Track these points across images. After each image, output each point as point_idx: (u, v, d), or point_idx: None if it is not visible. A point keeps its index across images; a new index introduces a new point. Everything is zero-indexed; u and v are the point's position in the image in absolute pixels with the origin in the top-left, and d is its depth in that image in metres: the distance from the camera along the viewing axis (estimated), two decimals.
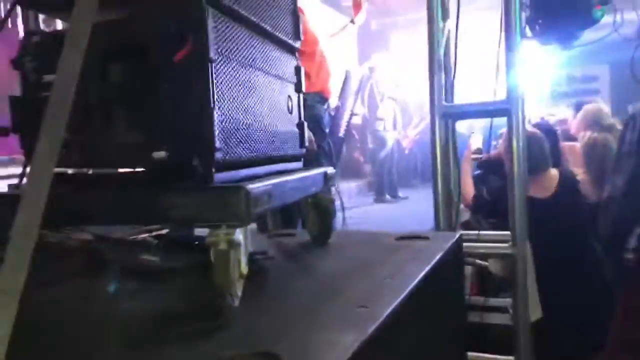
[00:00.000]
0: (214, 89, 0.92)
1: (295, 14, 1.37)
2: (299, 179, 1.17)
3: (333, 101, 3.15)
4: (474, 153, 2.82)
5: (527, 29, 1.92)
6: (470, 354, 1.83)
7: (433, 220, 2.03)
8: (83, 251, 1.07)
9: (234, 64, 1.01)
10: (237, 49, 1.02)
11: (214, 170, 0.91)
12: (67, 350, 0.73)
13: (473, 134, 3.03)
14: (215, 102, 0.92)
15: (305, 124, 1.46)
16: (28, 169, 0.75)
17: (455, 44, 1.96)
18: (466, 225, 2.59)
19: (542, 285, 2.07)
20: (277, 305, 0.90)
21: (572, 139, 3.37)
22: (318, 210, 1.35)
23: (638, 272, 1.77)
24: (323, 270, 1.12)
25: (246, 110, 1.05)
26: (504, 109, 1.85)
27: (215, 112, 0.91)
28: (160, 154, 0.91)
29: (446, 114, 1.93)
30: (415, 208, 5.98)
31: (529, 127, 2.96)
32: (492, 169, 2.69)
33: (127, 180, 0.96)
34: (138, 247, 1.12)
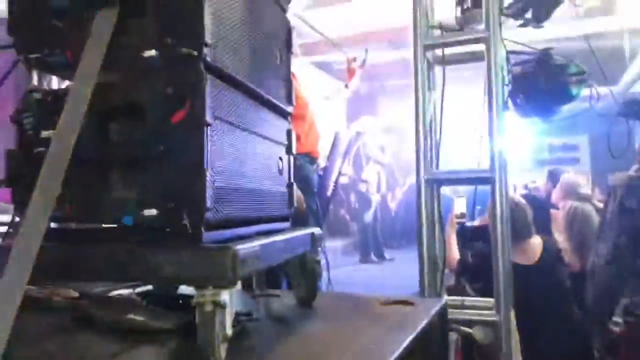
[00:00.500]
0: (208, 150, 0.94)
1: (289, 80, 1.43)
2: (286, 239, 1.17)
3: (322, 161, 3.20)
4: (458, 217, 2.85)
5: (509, 102, 2.00)
6: None
7: (418, 284, 2.03)
8: (69, 308, 1.05)
9: (229, 127, 1.04)
10: (232, 112, 1.06)
11: (203, 229, 0.92)
12: None
13: (458, 198, 3.07)
14: (209, 164, 0.94)
15: (295, 184, 1.48)
16: (18, 220, 0.75)
17: (441, 113, 2.04)
18: (451, 290, 2.59)
19: (526, 351, 2.05)
20: None
21: (551, 206, 3.45)
22: (304, 271, 1.35)
23: (626, 344, 1.77)
24: (308, 335, 1.11)
25: (238, 171, 1.07)
26: (487, 177, 1.90)
27: (208, 173, 0.93)
28: (151, 212, 0.92)
29: (431, 180, 1.97)
30: (400, 270, 5.94)
31: (515, 195, 3.02)
32: (476, 235, 2.72)
33: (116, 237, 0.96)
34: (124, 306, 1.10)
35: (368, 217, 6.81)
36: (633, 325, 2.13)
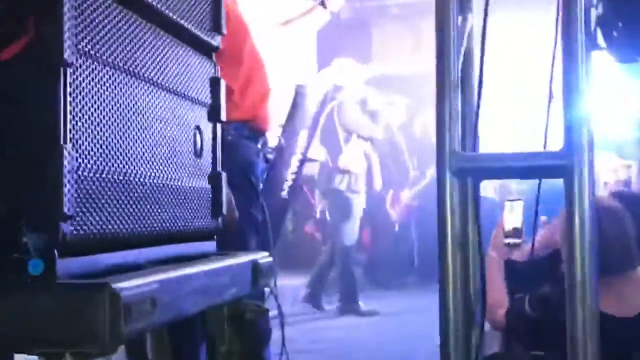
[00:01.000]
0: (68, 112, 0.94)
1: None
2: (207, 272, 1.18)
3: (272, 137, 3.18)
4: (509, 236, 2.89)
5: (599, 35, 2.03)
6: None
7: (438, 350, 2.04)
8: None
9: (107, 72, 1.04)
10: (114, 46, 1.06)
11: (57, 253, 0.92)
12: None
13: (510, 202, 3.11)
14: (68, 136, 0.94)
15: (224, 175, 1.49)
16: None
17: (481, 57, 2.04)
18: None
19: None
20: None
21: None
22: (239, 329, 1.37)
23: None
24: None
25: (122, 151, 1.07)
26: (559, 166, 1.91)
27: (66, 153, 0.93)
28: None
29: (464, 170, 1.97)
30: (406, 327, 5.96)
31: (603, 196, 3.03)
32: (539, 267, 2.75)
33: None
34: None
35: (350, 233, 6.80)
36: None
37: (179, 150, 1.29)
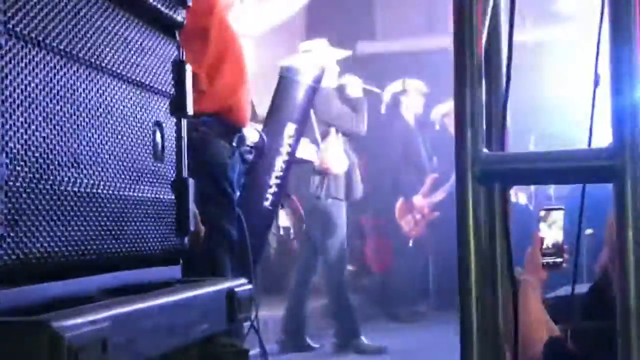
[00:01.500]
0: None
1: None
2: (172, 305, 1.19)
3: (251, 132, 3.17)
4: (548, 254, 2.89)
5: None
6: None
7: None
8: None
9: (43, 57, 1.05)
10: (50, 25, 1.06)
11: None
12: None
13: (546, 211, 3.12)
14: None
15: (191, 183, 1.49)
16: None
17: (510, 32, 2.06)
18: None
19: None
20: None
21: None
22: None
23: None
24: None
25: (63, 155, 1.08)
26: (607, 167, 1.91)
27: None
28: None
29: (490, 174, 1.97)
30: None
31: None
32: (585, 293, 2.75)
33: None
34: None
35: (339, 251, 6.74)
36: None
37: (134, 153, 1.30)
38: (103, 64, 1.21)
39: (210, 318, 1.33)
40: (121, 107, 1.27)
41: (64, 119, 1.10)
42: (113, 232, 1.21)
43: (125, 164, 1.27)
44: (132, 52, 1.30)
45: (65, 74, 1.11)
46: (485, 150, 2.02)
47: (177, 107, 1.45)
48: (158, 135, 1.38)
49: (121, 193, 1.24)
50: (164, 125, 1.41)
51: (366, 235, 9.00)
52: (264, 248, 3.63)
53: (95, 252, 1.16)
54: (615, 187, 1.95)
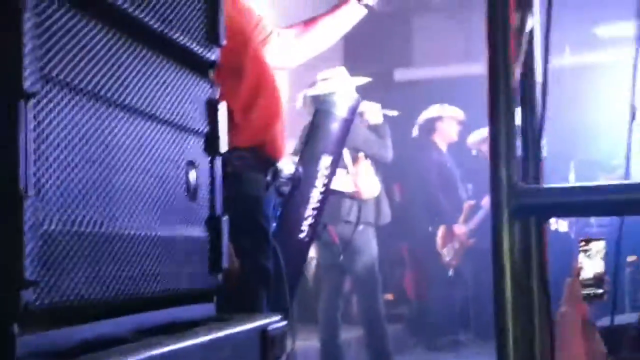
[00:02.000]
0: (30, 152, 0.95)
1: None
2: (204, 345, 1.19)
3: (287, 164, 3.16)
4: (588, 285, 2.86)
5: None
6: None
7: None
8: None
9: (78, 102, 1.05)
10: (84, 70, 1.07)
11: (16, 328, 0.92)
12: None
13: (586, 241, 3.09)
14: (31, 181, 0.95)
15: (225, 220, 1.50)
16: None
17: (545, 60, 2.06)
18: None
19: None
20: None
21: None
22: None
23: None
24: None
25: (97, 197, 1.08)
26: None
27: (28, 203, 0.94)
28: None
29: (526, 207, 1.97)
30: None
31: None
32: (626, 326, 2.72)
33: None
34: None
35: (374, 276, 6.68)
36: None
37: (168, 193, 1.31)
38: (136, 106, 1.21)
39: (244, 357, 1.32)
40: (155, 148, 1.27)
41: (98, 161, 1.10)
42: (146, 273, 1.21)
43: (158, 204, 1.27)
44: (165, 92, 1.31)
45: (99, 116, 1.12)
46: (520, 183, 2.02)
47: (210, 145, 1.45)
48: (192, 174, 1.39)
49: (155, 233, 1.24)
50: (197, 164, 1.41)
51: (405, 263, 8.95)
52: (300, 280, 3.61)
53: (129, 293, 1.16)
54: None
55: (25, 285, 0.93)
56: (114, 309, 1.13)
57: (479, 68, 2.08)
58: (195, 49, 1.40)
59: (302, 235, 3.50)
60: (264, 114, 2.66)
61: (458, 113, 7.94)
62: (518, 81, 2.02)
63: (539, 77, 2.15)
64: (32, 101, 0.96)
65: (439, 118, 7.88)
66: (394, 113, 6.74)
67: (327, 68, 5.37)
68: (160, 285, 1.26)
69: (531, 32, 2.12)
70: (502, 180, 1.95)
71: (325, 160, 3.63)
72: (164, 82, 1.31)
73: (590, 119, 8.07)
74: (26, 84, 0.95)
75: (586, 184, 2.01)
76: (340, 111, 3.69)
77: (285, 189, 3.06)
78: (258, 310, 2.49)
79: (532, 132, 2.15)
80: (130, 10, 1.19)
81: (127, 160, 1.18)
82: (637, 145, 1.95)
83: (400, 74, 10.83)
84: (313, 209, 3.54)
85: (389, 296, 8.34)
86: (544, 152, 2.14)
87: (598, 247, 2.98)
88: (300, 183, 3.30)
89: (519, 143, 1.99)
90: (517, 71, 2.01)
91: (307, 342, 6.38)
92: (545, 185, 2.07)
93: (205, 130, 1.45)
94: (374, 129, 6.52)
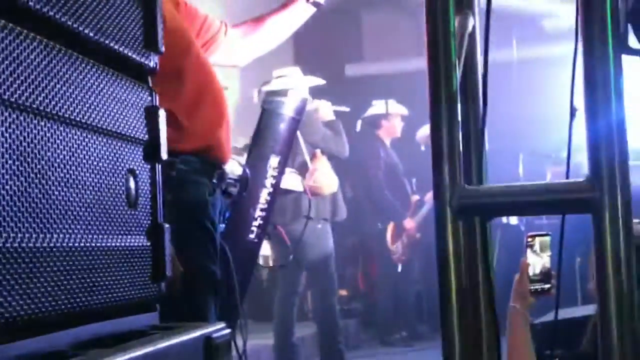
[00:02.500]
0: None
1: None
2: (145, 356, 1.18)
3: (234, 166, 3.15)
4: (535, 280, 2.88)
5: (630, 34, 2.04)
6: None
7: None
8: None
9: (12, 115, 1.05)
10: (15, 83, 1.06)
11: None
12: None
13: (533, 237, 3.11)
14: None
15: (167, 228, 1.49)
16: None
17: (485, 60, 2.07)
18: None
19: None
20: None
21: None
22: None
23: None
24: None
25: (31, 205, 1.08)
26: (584, 200, 1.92)
27: None
28: None
29: (468, 207, 1.98)
30: None
31: None
32: (572, 321, 2.74)
33: None
34: None
35: (331, 272, 6.67)
36: None
37: (106, 202, 1.30)
38: (71, 116, 1.20)
39: None
40: (91, 158, 1.26)
41: (31, 175, 1.09)
42: (85, 285, 1.20)
43: (96, 214, 1.26)
44: (102, 102, 1.30)
45: (32, 129, 1.10)
46: (462, 184, 2.03)
47: (150, 152, 1.45)
48: (132, 183, 1.38)
49: (93, 244, 1.24)
50: (137, 171, 1.41)
51: (358, 259, 8.97)
52: (250, 280, 3.61)
53: (68, 306, 1.15)
54: (594, 219, 1.96)
55: None
56: (52, 323, 1.12)
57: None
58: (133, 56, 1.39)
59: (251, 236, 3.50)
60: (208, 117, 2.64)
61: (402, 110, 7.99)
62: (460, 80, 2.03)
63: (480, 74, 2.16)
64: None
65: (384, 115, 7.91)
66: (345, 109, 6.75)
67: (279, 65, 5.35)
68: (101, 297, 1.25)
69: (473, 27, 2.13)
70: (445, 182, 1.95)
71: (274, 161, 3.64)
72: (101, 91, 1.30)
73: (538, 112, 8.12)
74: None
75: (526, 184, 2.02)
76: (288, 111, 3.70)
77: (233, 190, 3.05)
78: (206, 316, 2.48)
79: (474, 129, 2.16)
80: (63, 20, 1.18)
81: (62, 172, 1.17)
82: (580, 139, 1.97)
83: (352, 69, 10.86)
84: (262, 209, 3.54)
85: (343, 292, 8.36)
86: (486, 148, 2.15)
87: (544, 242, 3.00)
88: (248, 184, 3.29)
89: (461, 140, 2.00)
90: (459, 68, 2.01)
91: (260, 341, 6.37)
92: (488, 185, 2.08)
93: (145, 137, 1.44)
94: (329, 125, 6.53)
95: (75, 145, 1.21)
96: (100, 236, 1.27)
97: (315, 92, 5.62)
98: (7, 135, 1.05)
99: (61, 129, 1.18)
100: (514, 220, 7.71)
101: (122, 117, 1.36)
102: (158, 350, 1.24)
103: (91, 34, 1.26)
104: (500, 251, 7.14)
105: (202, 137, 2.60)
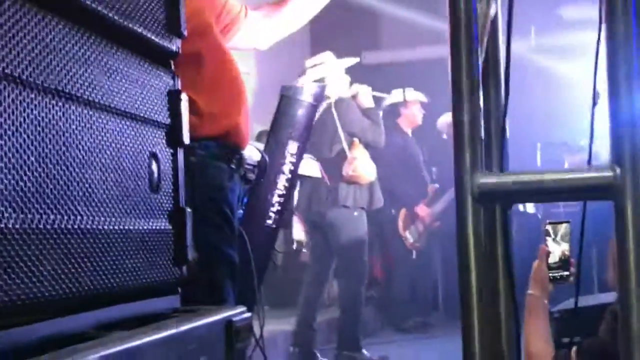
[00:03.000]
0: None
1: None
2: (167, 339, 1.19)
3: (252, 151, 3.15)
4: (554, 268, 2.87)
5: None
6: None
7: None
8: None
9: (32, 93, 1.05)
10: (36, 63, 1.06)
11: None
12: None
13: (552, 224, 3.10)
14: None
15: (189, 212, 1.49)
16: None
17: (508, 47, 2.05)
18: None
19: None
20: None
21: None
22: None
23: None
24: None
25: (56, 187, 1.08)
26: (606, 186, 1.91)
27: None
28: None
29: (489, 194, 1.97)
30: None
31: None
32: (592, 309, 2.72)
33: None
34: None
35: (364, 260, 6.67)
36: None
37: (129, 186, 1.30)
38: (95, 99, 1.20)
39: (208, 349, 1.32)
40: (114, 141, 1.26)
41: (56, 157, 1.09)
42: (109, 267, 1.21)
43: (120, 197, 1.26)
44: (125, 85, 1.30)
45: (56, 112, 1.10)
46: (484, 170, 2.02)
47: (173, 137, 1.44)
48: (154, 167, 1.38)
49: (116, 227, 1.24)
50: (159, 156, 1.40)
51: (374, 247, 8.96)
52: (267, 267, 3.60)
53: (91, 288, 1.15)
54: (615, 205, 1.94)
55: None
56: (76, 304, 1.13)
57: (448, 50, 2.07)
58: (156, 40, 1.39)
59: (269, 222, 3.49)
60: (227, 103, 2.64)
61: (421, 97, 7.94)
62: (481, 66, 2.02)
63: (502, 61, 2.15)
64: None
65: (403, 103, 7.87)
66: (385, 95, 6.73)
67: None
68: (124, 279, 1.25)
69: (495, 15, 2.11)
70: (466, 168, 1.94)
71: (292, 147, 3.62)
72: (124, 74, 1.30)
73: (556, 101, 8.10)
74: None
75: (548, 170, 2.01)
76: (306, 97, 3.69)
77: (252, 176, 3.05)
78: (224, 301, 2.48)
79: (496, 116, 2.15)
80: (87, 2, 1.18)
81: (86, 155, 1.17)
82: (602, 127, 1.95)
83: (369, 57, 10.81)
84: (280, 195, 3.53)
85: None
86: (507, 135, 2.14)
87: (563, 230, 2.99)
88: (267, 170, 3.29)
89: (482, 127, 1.99)
90: (481, 55, 2.01)
91: (276, 327, 6.37)
92: (508, 172, 2.07)
93: (168, 121, 1.44)
94: (367, 114, 6.51)
95: (98, 128, 1.22)
96: (123, 219, 1.27)
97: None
98: (32, 117, 1.05)
99: (85, 111, 1.18)
100: (531, 208, 7.69)
101: (145, 100, 1.37)
102: (180, 332, 1.24)
103: (115, 17, 1.26)
104: (517, 239, 7.11)
105: (220, 122, 2.60)
